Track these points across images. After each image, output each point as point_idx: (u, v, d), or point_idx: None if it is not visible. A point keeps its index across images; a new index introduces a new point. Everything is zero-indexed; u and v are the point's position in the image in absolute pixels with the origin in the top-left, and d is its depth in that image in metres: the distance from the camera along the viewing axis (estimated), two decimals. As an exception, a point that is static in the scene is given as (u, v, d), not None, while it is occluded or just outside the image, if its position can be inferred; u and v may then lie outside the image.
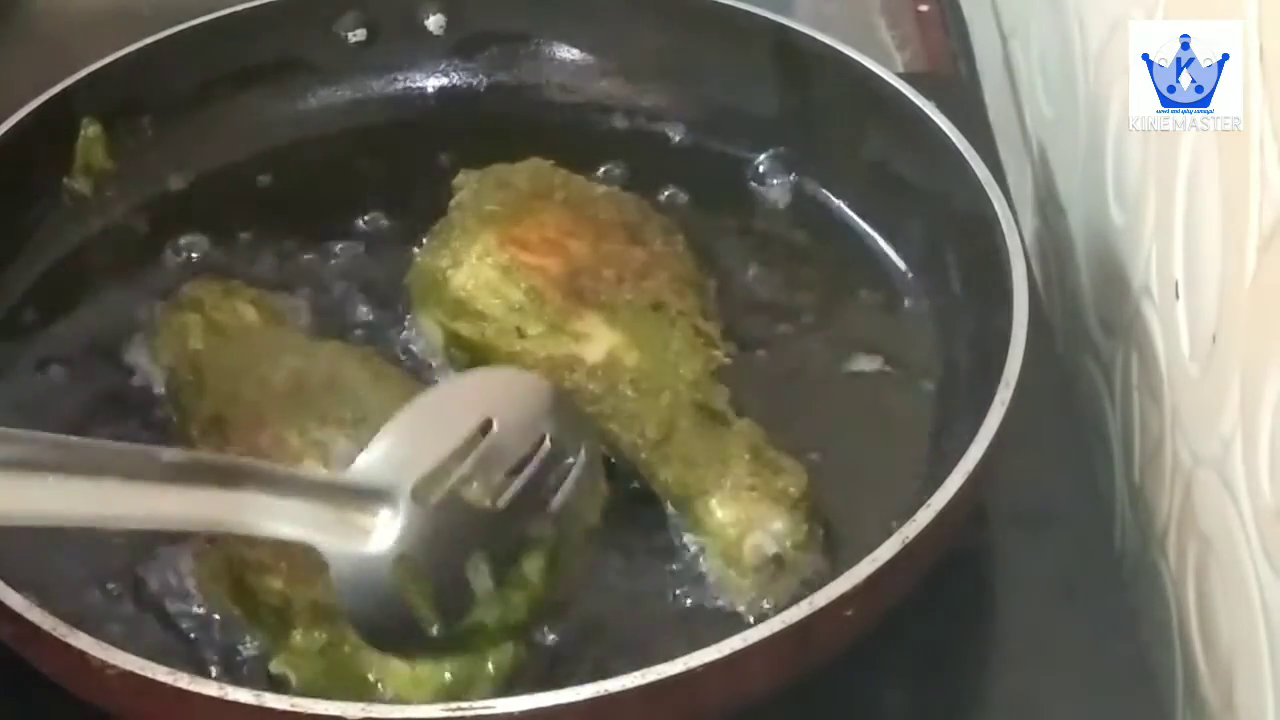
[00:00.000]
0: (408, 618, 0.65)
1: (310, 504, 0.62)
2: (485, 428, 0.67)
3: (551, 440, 0.68)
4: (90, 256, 0.88)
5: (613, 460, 0.76)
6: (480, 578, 0.66)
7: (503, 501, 0.66)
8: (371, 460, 0.64)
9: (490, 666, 0.67)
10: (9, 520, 0.58)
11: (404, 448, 0.64)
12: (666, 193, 0.89)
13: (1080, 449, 0.85)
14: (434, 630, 0.65)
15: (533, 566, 0.68)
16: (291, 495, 0.62)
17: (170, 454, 0.62)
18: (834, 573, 0.67)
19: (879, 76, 0.87)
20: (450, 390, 0.72)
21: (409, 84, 0.96)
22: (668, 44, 0.93)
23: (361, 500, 0.63)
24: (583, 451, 0.70)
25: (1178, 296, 0.75)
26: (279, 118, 0.93)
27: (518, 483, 0.67)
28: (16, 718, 0.72)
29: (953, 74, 1.05)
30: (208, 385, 0.77)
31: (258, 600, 0.69)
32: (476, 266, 0.79)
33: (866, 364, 0.82)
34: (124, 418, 0.79)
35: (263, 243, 0.88)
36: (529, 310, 0.78)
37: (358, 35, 0.95)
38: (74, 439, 0.61)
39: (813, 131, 0.90)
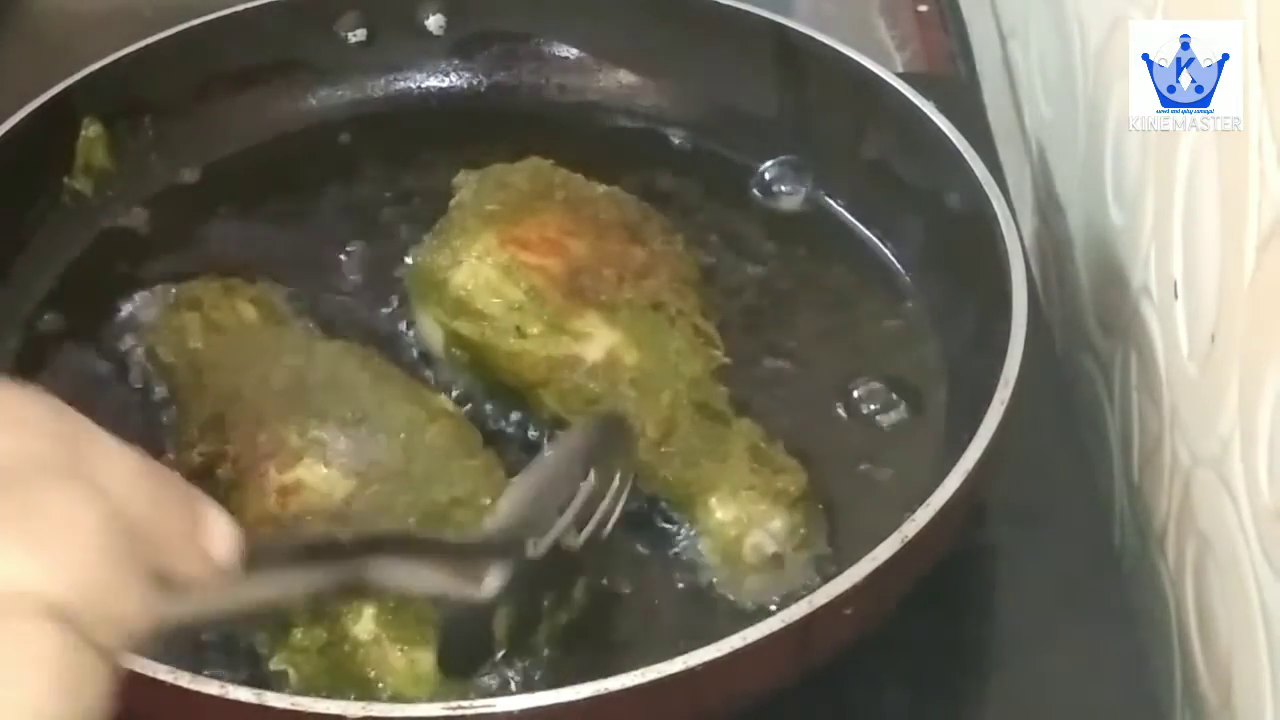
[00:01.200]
0: (481, 642, 0.65)
1: (439, 564, 0.61)
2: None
3: (623, 479, 0.69)
4: (91, 256, 0.88)
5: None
6: (546, 605, 0.67)
7: (579, 540, 0.67)
8: (499, 523, 0.64)
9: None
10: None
11: (528, 509, 0.65)
12: (665, 192, 0.89)
13: (1079, 448, 0.85)
14: (500, 654, 0.66)
15: (580, 589, 0.70)
16: (423, 557, 0.61)
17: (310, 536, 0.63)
18: (833, 572, 0.67)
19: (878, 76, 0.87)
20: (566, 447, 0.70)
21: (409, 84, 0.96)
22: (666, 43, 0.93)
23: (484, 557, 0.63)
24: (621, 476, 0.70)
25: (1176, 296, 0.75)
26: (279, 117, 0.94)
27: (594, 524, 0.67)
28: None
29: (952, 74, 1.05)
30: (207, 384, 0.77)
31: None
32: (477, 266, 0.79)
33: (866, 363, 0.82)
34: (124, 418, 0.79)
35: (263, 241, 0.88)
36: (529, 309, 0.78)
37: (358, 35, 0.95)
38: None
39: (812, 131, 0.90)
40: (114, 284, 0.87)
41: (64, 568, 0.43)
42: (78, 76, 0.88)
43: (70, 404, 0.81)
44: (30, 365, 0.82)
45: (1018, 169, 1.01)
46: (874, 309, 0.84)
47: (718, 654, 0.62)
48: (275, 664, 0.68)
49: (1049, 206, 0.98)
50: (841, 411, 0.79)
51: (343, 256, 0.88)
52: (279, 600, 0.56)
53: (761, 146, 0.91)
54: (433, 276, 0.80)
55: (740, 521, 0.72)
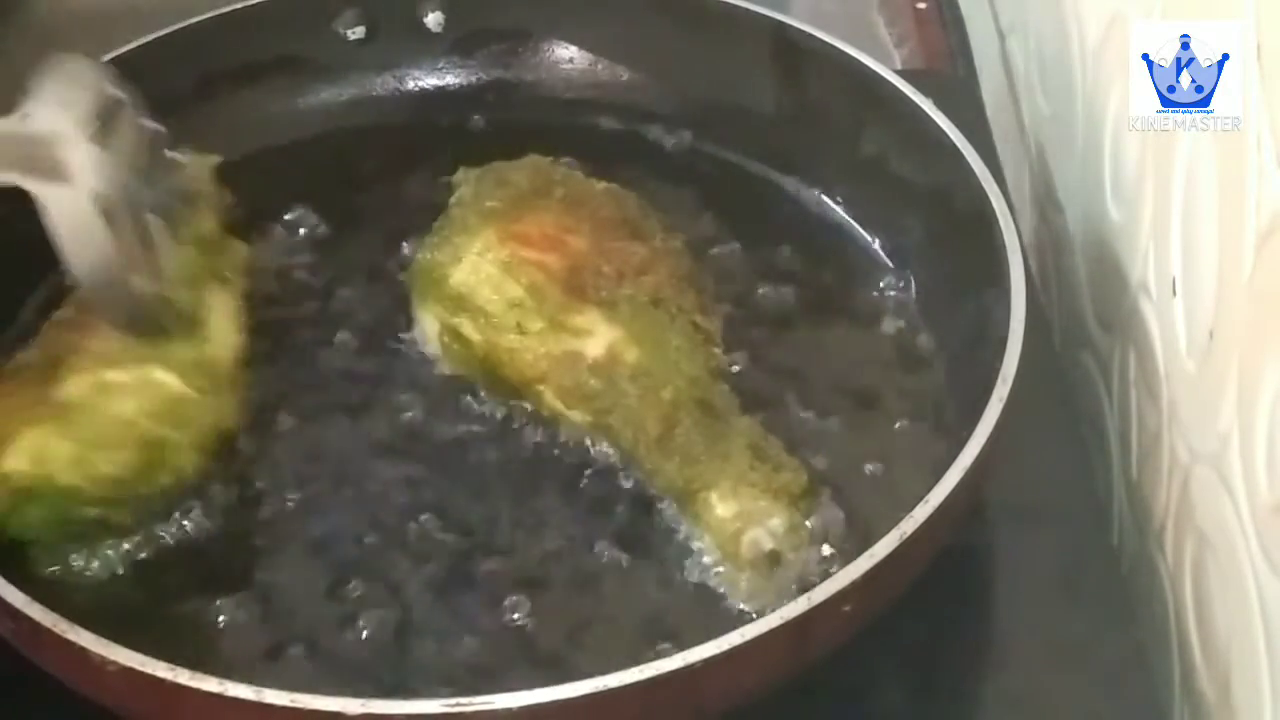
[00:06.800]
0: (118, 265, 0.72)
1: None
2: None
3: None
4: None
5: (612, 457, 0.76)
6: (156, 230, 0.75)
7: (141, 160, 0.75)
8: (41, 106, 0.72)
9: None
10: None
11: (62, 96, 0.72)
12: (664, 189, 0.89)
13: (1078, 445, 0.85)
14: (142, 282, 0.73)
15: (179, 232, 0.77)
16: None
17: None
18: (832, 569, 0.67)
19: (877, 74, 0.87)
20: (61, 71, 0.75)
21: (408, 81, 0.96)
22: (665, 41, 0.94)
23: (46, 142, 0.71)
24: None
25: (1175, 293, 0.76)
26: (279, 115, 0.94)
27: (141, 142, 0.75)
28: (17, 715, 0.72)
29: (950, 71, 1.05)
30: None
31: None
32: (477, 262, 0.79)
33: (865, 362, 0.82)
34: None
35: (262, 239, 0.89)
36: (529, 306, 0.78)
37: (357, 33, 0.95)
38: None
39: (811, 129, 0.90)
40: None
41: None
42: (77, 74, 0.88)
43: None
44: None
45: (1016, 166, 1.02)
46: (871, 306, 0.84)
47: (717, 651, 0.62)
48: None
49: (1047, 204, 0.98)
50: (839, 408, 0.80)
51: (342, 252, 0.88)
52: None
53: (760, 144, 0.91)
54: (433, 273, 0.81)
55: (740, 517, 0.72)
